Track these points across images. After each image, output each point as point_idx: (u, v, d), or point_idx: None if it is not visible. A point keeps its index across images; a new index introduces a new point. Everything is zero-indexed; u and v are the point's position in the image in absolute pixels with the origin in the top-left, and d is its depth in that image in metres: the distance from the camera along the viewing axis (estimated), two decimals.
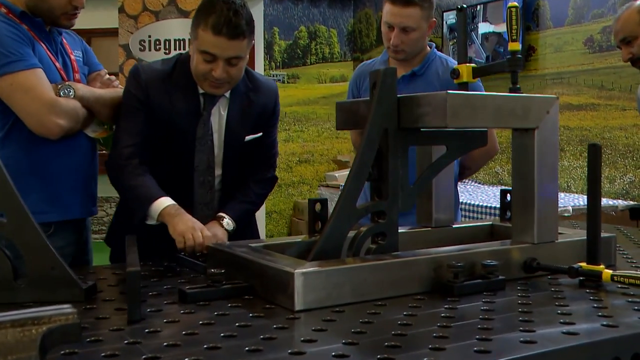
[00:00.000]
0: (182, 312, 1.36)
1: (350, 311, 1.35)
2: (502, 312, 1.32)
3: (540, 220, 1.66)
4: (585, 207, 4.32)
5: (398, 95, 1.62)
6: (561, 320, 1.25)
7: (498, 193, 4.86)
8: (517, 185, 1.71)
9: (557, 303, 1.39)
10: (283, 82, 7.76)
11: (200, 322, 1.28)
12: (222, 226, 2.06)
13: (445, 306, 1.37)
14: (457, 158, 1.75)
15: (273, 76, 7.64)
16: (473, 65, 1.79)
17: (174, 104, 2.09)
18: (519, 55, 1.67)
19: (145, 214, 1.97)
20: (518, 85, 1.67)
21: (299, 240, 1.80)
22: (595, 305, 1.37)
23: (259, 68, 7.41)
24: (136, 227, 2.00)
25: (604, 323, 1.22)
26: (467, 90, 1.81)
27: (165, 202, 1.96)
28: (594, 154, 1.53)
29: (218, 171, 2.17)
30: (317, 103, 8.05)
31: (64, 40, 2.14)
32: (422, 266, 1.51)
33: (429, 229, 2.00)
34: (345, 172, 7.35)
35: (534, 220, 1.66)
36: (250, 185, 2.22)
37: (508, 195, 2.17)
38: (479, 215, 4.24)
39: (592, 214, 1.53)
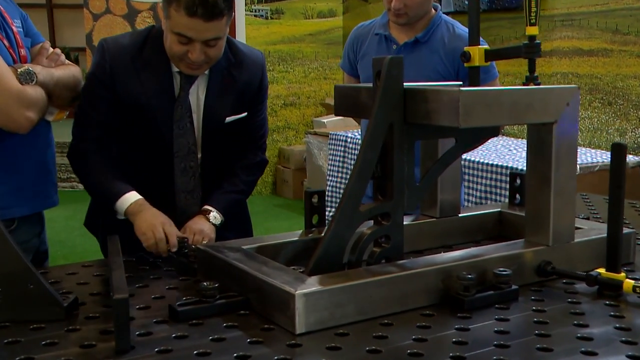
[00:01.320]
0: (173, 336, 1.36)
1: (355, 334, 1.36)
2: (518, 336, 1.33)
3: (556, 221, 1.66)
4: (593, 164, 4.32)
5: (405, 86, 1.59)
6: (582, 349, 1.26)
7: (499, 147, 4.88)
8: (532, 182, 1.70)
9: (575, 322, 1.40)
10: (266, 17, 7.61)
11: (195, 353, 1.28)
12: (209, 220, 2.04)
13: (456, 326, 1.38)
14: (468, 151, 1.73)
15: (255, 11, 7.49)
16: (486, 47, 1.76)
17: (145, 85, 2.03)
18: (538, 42, 1.63)
19: (113, 210, 1.95)
20: (536, 74, 1.64)
21: (295, 239, 1.79)
22: (617, 325, 1.38)
23: (240, 3, 7.25)
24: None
25: (629, 354, 1.24)
26: (478, 75, 1.77)
27: (128, 199, 1.94)
28: (618, 154, 1.52)
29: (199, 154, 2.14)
30: (303, 41, 7.92)
31: (1, 8, 1.97)
32: (430, 278, 1.51)
33: (434, 219, 2.00)
34: (335, 118, 7.30)
35: (549, 221, 1.66)
36: (237, 172, 2.18)
37: (518, 178, 2.17)
38: (480, 173, 4.25)
39: (614, 220, 1.53)
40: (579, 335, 1.33)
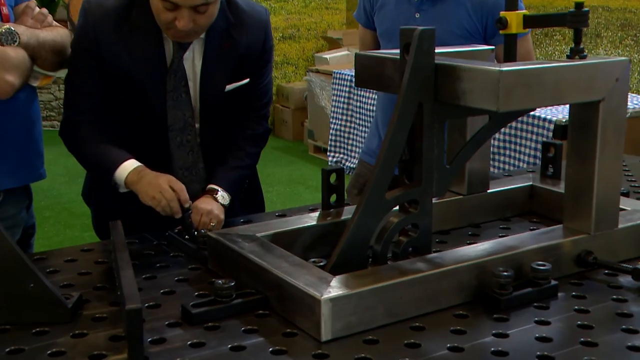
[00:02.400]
0: (189, 343, 1.35)
1: (385, 341, 1.35)
2: (562, 344, 1.33)
3: (599, 208, 1.64)
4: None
5: (436, 62, 1.54)
6: None
7: None
8: (574, 164, 1.67)
9: (624, 326, 1.39)
10: None
11: None
12: (217, 201, 2.01)
13: (494, 332, 1.38)
14: (501, 128, 1.69)
15: None
16: (525, 12, 1.70)
17: (133, 52, 1.96)
18: (586, 9, 1.57)
19: (113, 183, 1.92)
20: (582, 46, 1.58)
21: (313, 223, 1.77)
22: None
23: None
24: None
25: None
26: (515, 43, 1.72)
27: (127, 167, 1.90)
28: None
29: (197, 126, 2.08)
30: None
31: None
32: (464, 275, 1.50)
33: (460, 197, 1.98)
34: (339, 54, 7.20)
35: (592, 207, 1.64)
36: (242, 145, 2.12)
37: (552, 148, 2.14)
38: None
39: None
40: (629, 345, 1.32)
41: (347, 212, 1.85)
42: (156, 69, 1.99)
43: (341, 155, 6.52)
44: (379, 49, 2.60)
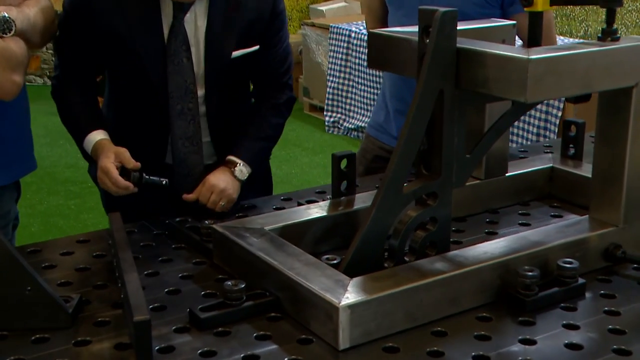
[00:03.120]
0: (199, 352, 1.34)
1: (406, 349, 1.35)
2: (593, 353, 1.32)
3: (629, 198, 1.62)
4: None
5: (457, 46, 1.51)
6: None
7: None
8: (602, 151, 1.65)
9: None
10: None
11: None
12: (234, 175, 1.97)
13: (520, 337, 1.37)
14: (524, 113, 1.67)
15: None
16: None
17: (128, 12, 1.92)
18: None
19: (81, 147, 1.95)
20: (615, 27, 1.55)
21: (324, 214, 1.75)
22: None
23: None
24: None
25: None
26: (540, 23, 1.68)
27: (91, 140, 1.92)
28: None
29: (200, 93, 2.04)
30: None
31: None
32: (487, 274, 1.49)
33: (478, 182, 1.97)
34: (336, 6, 7.10)
35: (621, 197, 1.62)
36: (265, 114, 2.08)
37: (573, 127, 2.12)
38: None
39: None
40: None
41: (359, 201, 1.83)
42: (152, 31, 1.94)
43: (339, 115, 6.48)
44: (386, 15, 2.55)
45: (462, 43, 1.51)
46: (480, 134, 1.76)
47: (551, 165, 2.07)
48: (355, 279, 1.41)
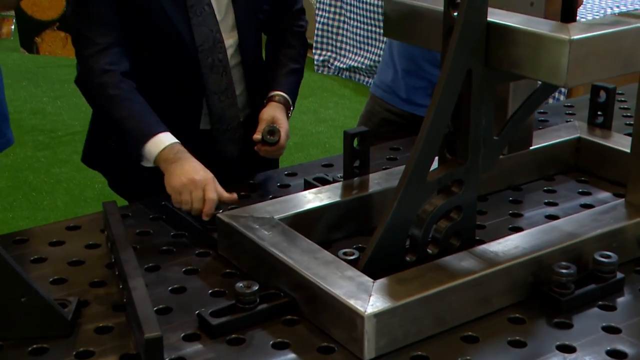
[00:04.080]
0: None
1: (436, 357, 1.34)
2: None
3: None
4: None
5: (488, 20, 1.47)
6: None
7: None
8: None
9: None
10: None
11: None
12: (288, 116, 2.02)
13: (558, 344, 1.37)
14: (556, 90, 1.64)
15: None
16: None
17: None
18: None
19: (139, 154, 1.86)
20: None
21: (337, 199, 1.73)
22: None
23: None
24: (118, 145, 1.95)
25: None
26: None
27: (162, 141, 1.83)
28: None
29: (229, 43, 2.05)
30: None
31: None
32: (518, 272, 1.48)
33: (500, 156, 1.94)
34: None
35: None
36: (292, 43, 2.15)
37: (602, 92, 2.10)
38: None
39: None
40: None
41: (374, 182, 1.81)
42: None
43: (329, 54, 6.41)
44: None
45: (493, 16, 1.47)
46: (504, 110, 1.73)
47: (578, 135, 2.06)
48: (379, 282, 1.40)
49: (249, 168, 2.08)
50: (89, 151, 2.23)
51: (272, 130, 1.93)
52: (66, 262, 1.66)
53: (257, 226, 1.61)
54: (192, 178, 1.74)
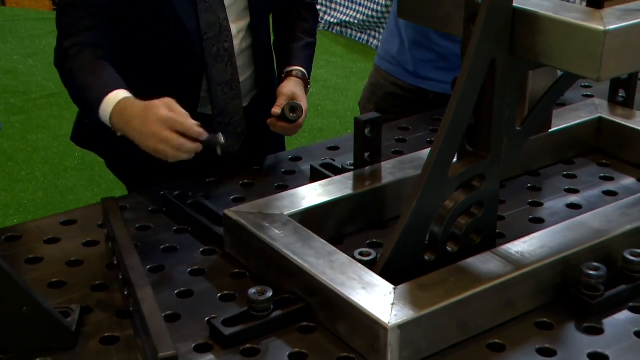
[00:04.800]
0: None
1: None
2: None
3: None
4: None
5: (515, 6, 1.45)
6: None
7: None
8: None
9: None
10: None
11: None
12: (305, 92, 2.04)
13: (589, 351, 1.38)
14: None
15: None
16: None
17: None
18: None
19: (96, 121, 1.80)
20: None
21: (349, 192, 1.73)
22: None
23: None
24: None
25: None
26: None
27: (109, 103, 1.74)
28: None
29: (239, 27, 2.04)
30: None
31: None
32: (546, 273, 1.49)
33: None
34: None
35: None
36: (305, 16, 2.16)
37: None
38: None
39: None
40: None
41: (387, 172, 1.81)
42: None
43: (318, 7, 6.33)
44: None
45: (519, 2, 1.46)
46: (522, 96, 1.72)
47: (599, 115, 2.06)
48: (400, 289, 1.40)
49: (254, 152, 2.07)
50: (79, 130, 2.19)
51: (294, 107, 1.93)
52: (64, 263, 1.65)
53: (267, 224, 1.60)
54: (152, 129, 1.65)
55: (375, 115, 1.82)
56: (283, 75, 2.06)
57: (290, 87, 1.99)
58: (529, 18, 1.43)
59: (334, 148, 2.12)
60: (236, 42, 2.01)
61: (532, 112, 1.62)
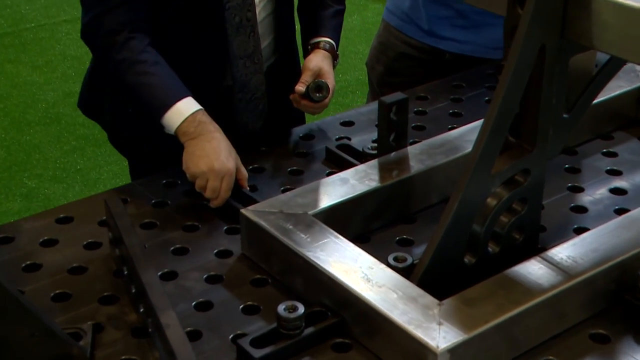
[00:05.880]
0: None
1: None
2: None
3: None
4: None
5: None
6: None
7: None
8: None
9: None
10: None
11: None
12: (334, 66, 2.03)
13: None
14: None
15: None
16: None
17: None
18: None
19: (159, 123, 1.84)
20: None
21: (375, 185, 1.71)
22: None
23: None
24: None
25: None
26: None
27: (181, 112, 1.81)
28: None
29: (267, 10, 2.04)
30: None
31: None
32: (601, 281, 1.49)
33: None
34: None
35: None
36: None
37: None
38: None
39: None
40: None
41: (414, 159, 1.80)
42: None
43: None
44: None
45: None
46: None
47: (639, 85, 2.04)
48: (446, 305, 1.39)
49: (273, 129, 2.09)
50: (88, 101, 2.18)
51: (320, 86, 1.91)
52: (65, 270, 1.64)
53: (291, 226, 1.58)
54: (212, 167, 1.75)
55: (402, 97, 1.79)
56: (310, 47, 2.03)
57: (317, 61, 1.97)
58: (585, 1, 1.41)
59: (349, 123, 2.10)
60: (257, 10, 1.98)
61: (580, 98, 1.60)
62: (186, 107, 1.81)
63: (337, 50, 2.07)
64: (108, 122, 2.13)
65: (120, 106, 2.02)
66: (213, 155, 1.76)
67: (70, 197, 3.73)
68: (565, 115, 1.58)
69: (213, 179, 1.74)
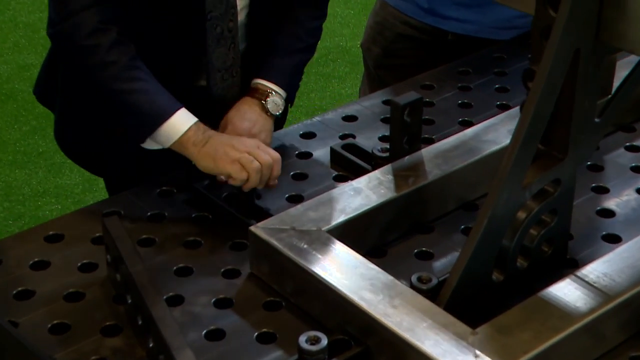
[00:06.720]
0: None
1: None
2: None
3: None
4: None
5: None
6: None
7: None
8: None
9: None
10: None
11: None
12: (266, 110, 1.95)
13: None
14: None
15: None
16: None
17: None
18: None
19: (146, 136, 1.82)
20: None
21: (393, 196, 1.70)
22: None
23: None
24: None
25: None
26: None
27: (181, 122, 1.79)
28: None
29: (243, 3, 2.00)
30: None
31: None
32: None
33: None
34: None
35: None
36: (299, 18, 2.07)
37: None
38: None
39: None
40: None
41: (429, 163, 1.79)
42: None
43: None
44: None
45: None
46: None
47: None
48: (480, 334, 1.39)
49: None
50: (43, 84, 2.18)
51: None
52: (61, 297, 1.61)
53: (305, 245, 1.57)
54: (243, 143, 1.77)
55: (415, 97, 1.78)
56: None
57: (239, 121, 1.94)
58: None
59: (351, 118, 2.09)
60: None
61: (612, 101, 1.60)
62: (187, 115, 1.80)
63: (286, 90, 2.02)
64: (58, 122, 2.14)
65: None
66: (235, 139, 1.80)
67: (34, 184, 3.69)
68: (596, 120, 1.58)
69: (264, 151, 1.75)
